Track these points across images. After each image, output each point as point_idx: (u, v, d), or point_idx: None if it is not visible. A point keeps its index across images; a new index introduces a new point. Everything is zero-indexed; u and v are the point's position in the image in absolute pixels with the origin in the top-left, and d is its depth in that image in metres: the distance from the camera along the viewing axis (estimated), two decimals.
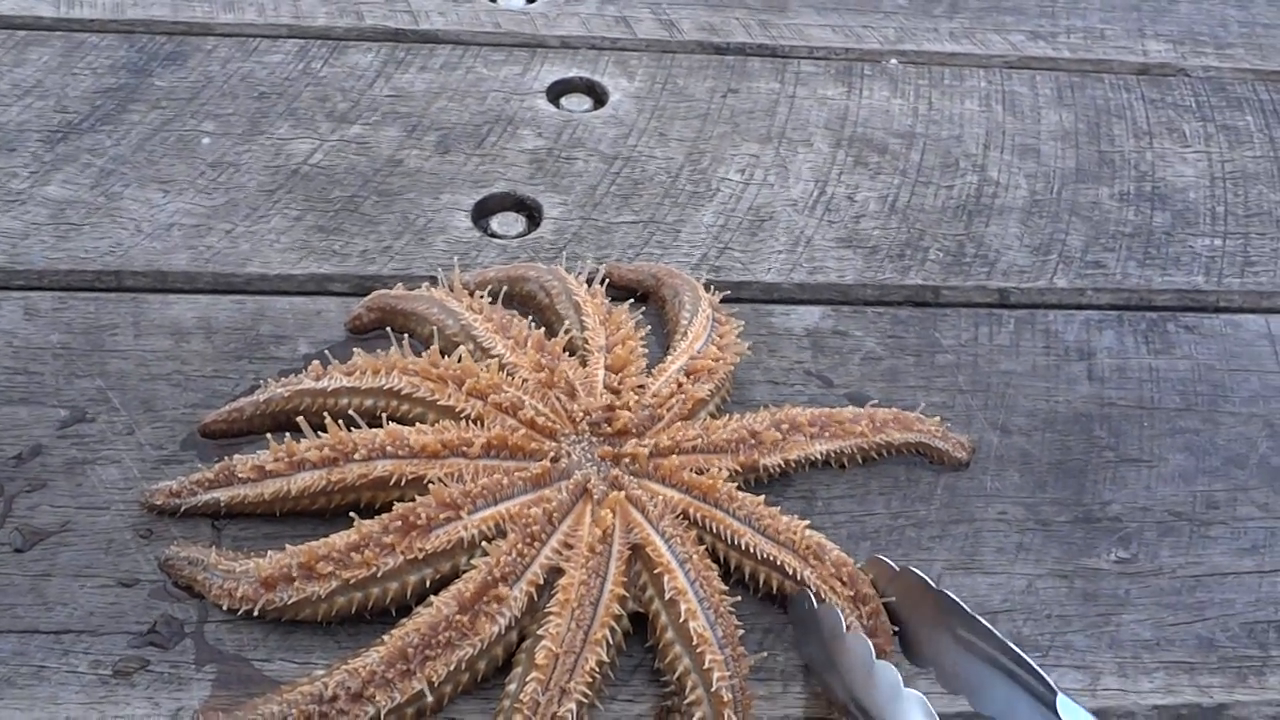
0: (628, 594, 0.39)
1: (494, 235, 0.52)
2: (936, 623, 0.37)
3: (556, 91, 0.60)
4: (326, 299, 0.49)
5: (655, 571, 0.39)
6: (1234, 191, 0.59)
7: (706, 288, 0.48)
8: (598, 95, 0.60)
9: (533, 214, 0.54)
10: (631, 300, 0.48)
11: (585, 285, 0.48)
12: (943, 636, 0.37)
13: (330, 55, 0.61)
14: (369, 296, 0.48)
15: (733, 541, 0.40)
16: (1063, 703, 0.33)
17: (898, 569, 0.39)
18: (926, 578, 0.38)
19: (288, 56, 0.61)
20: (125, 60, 0.59)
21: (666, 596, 0.38)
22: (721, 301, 0.48)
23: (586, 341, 0.46)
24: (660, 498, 0.41)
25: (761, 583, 0.40)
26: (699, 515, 0.40)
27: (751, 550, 0.40)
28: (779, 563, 0.39)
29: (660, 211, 0.54)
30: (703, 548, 0.40)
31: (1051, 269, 0.53)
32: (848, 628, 0.37)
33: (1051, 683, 0.34)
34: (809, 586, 0.39)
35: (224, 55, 0.60)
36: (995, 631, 0.36)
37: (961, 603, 0.37)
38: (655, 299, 0.50)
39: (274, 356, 0.46)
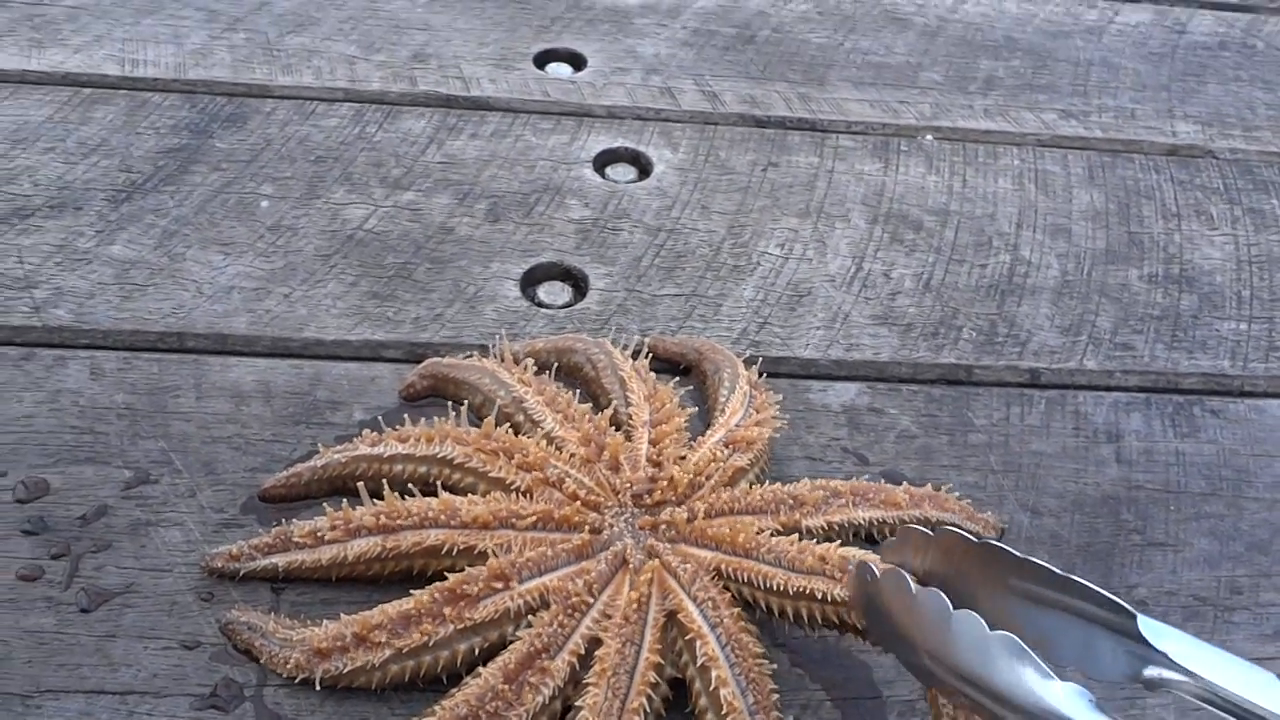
0: (664, 661, 0.40)
1: (541, 305, 0.54)
2: (986, 579, 0.35)
3: (602, 161, 0.62)
4: (380, 365, 0.50)
5: (688, 638, 0.40)
6: (1259, 275, 0.60)
7: (747, 363, 0.50)
8: (642, 166, 0.62)
9: (579, 284, 0.55)
10: (675, 376, 0.50)
11: (630, 359, 0.49)
12: (997, 592, 0.34)
13: (384, 120, 0.63)
14: (422, 365, 0.50)
15: (766, 585, 0.41)
16: (1144, 623, 0.31)
17: (932, 533, 0.37)
18: (964, 532, 0.36)
19: (343, 120, 0.62)
20: (187, 121, 0.61)
21: (699, 663, 0.39)
22: (760, 377, 0.50)
23: (631, 417, 0.47)
24: (693, 560, 0.42)
25: (808, 619, 0.41)
26: (730, 569, 0.41)
27: (784, 588, 0.40)
28: (810, 591, 0.40)
29: (702, 285, 0.55)
30: (737, 610, 0.41)
31: (1082, 350, 0.54)
32: (919, 576, 0.36)
33: (1127, 606, 0.31)
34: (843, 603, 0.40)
35: (282, 118, 0.62)
36: (1052, 568, 0.33)
37: (1008, 548, 0.34)
38: (697, 373, 0.51)
39: (330, 422, 0.48)
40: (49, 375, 0.48)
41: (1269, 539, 0.48)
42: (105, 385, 0.48)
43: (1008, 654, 0.31)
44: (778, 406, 0.48)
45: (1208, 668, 0.31)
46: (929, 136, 0.66)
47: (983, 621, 0.32)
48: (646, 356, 0.50)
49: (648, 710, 0.39)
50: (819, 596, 0.40)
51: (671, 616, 0.41)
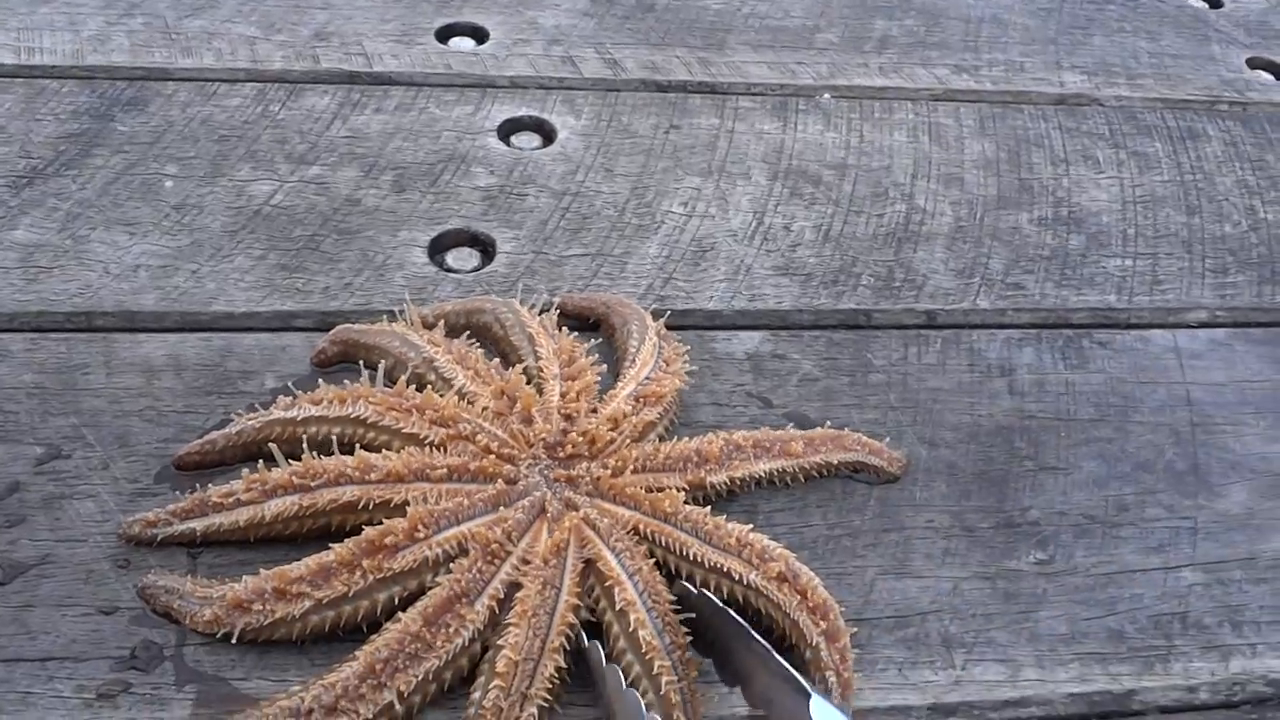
0: (582, 604, 0.42)
1: (450, 270, 0.55)
2: (736, 641, 0.40)
3: (507, 130, 0.63)
4: (291, 335, 0.51)
5: (607, 584, 0.41)
6: (1144, 214, 0.63)
7: (654, 316, 0.52)
8: (546, 133, 0.63)
9: (486, 249, 0.56)
10: (583, 330, 0.51)
11: (538, 317, 0.51)
12: (743, 654, 0.39)
13: (288, 98, 0.63)
14: (332, 331, 0.51)
15: (682, 553, 0.43)
16: (815, 704, 0.36)
17: (694, 592, 0.41)
18: (713, 598, 0.40)
19: (246, 100, 0.63)
20: (87, 105, 0.61)
21: (617, 608, 0.41)
22: (667, 328, 0.51)
23: (541, 371, 0.48)
24: (612, 516, 0.43)
25: (713, 590, 0.43)
26: (649, 530, 0.43)
27: (700, 560, 0.42)
28: (726, 569, 0.42)
29: (608, 245, 0.57)
30: (652, 561, 0.43)
31: (975, 291, 0.57)
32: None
33: (805, 684, 0.36)
34: (757, 590, 0.42)
35: (184, 100, 0.62)
36: (755, 639, 0.38)
37: (736, 618, 0.39)
38: (605, 327, 0.53)
39: (242, 391, 0.49)
40: None
41: (1153, 459, 0.51)
42: (13, 366, 0.49)
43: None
44: (685, 359, 0.50)
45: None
46: (826, 95, 0.68)
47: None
48: (555, 313, 0.51)
49: (567, 649, 0.40)
50: (735, 577, 0.42)
51: (590, 564, 0.42)
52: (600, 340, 0.52)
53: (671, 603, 0.41)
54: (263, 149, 0.60)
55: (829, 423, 0.49)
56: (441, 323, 0.51)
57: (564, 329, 0.50)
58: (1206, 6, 0.81)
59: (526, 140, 0.63)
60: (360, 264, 0.54)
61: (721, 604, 0.40)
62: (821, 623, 0.41)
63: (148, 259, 0.54)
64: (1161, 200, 0.64)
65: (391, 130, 0.62)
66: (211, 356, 0.50)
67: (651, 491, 0.44)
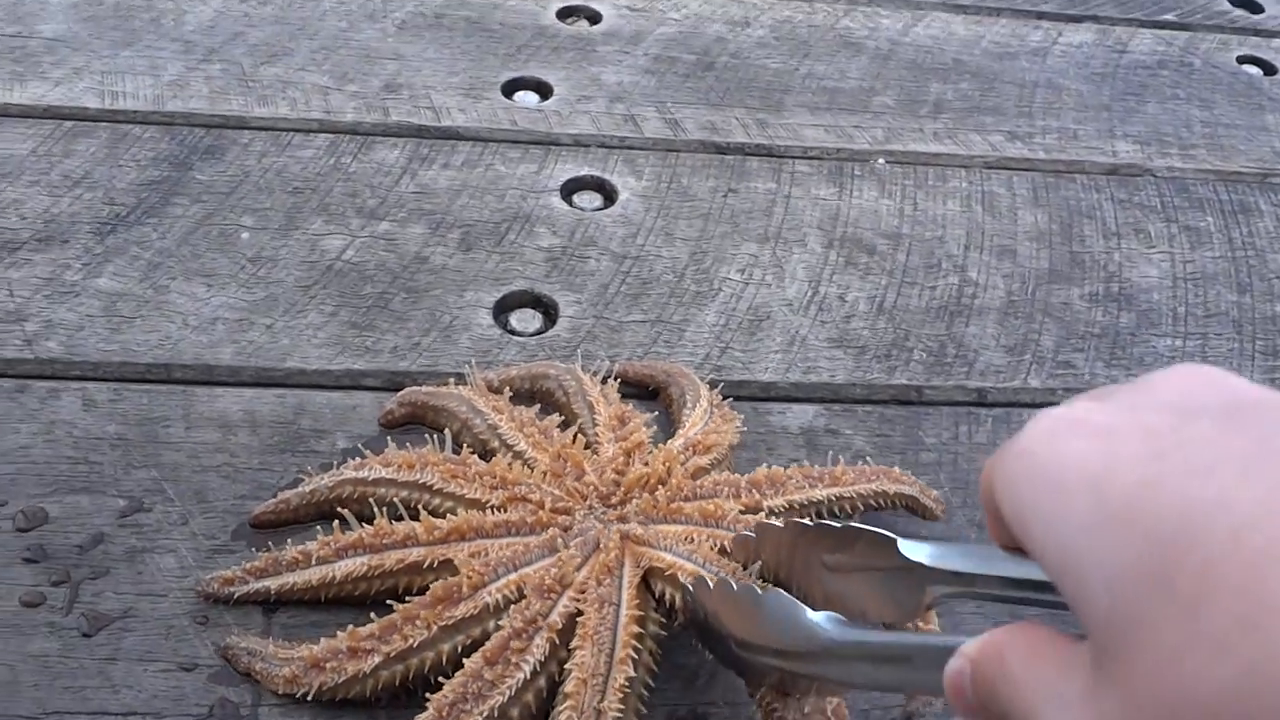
0: (646, 613, 0.43)
1: (514, 332, 0.57)
2: (808, 563, 0.39)
3: (570, 189, 0.65)
4: (361, 394, 0.53)
5: (668, 574, 0.43)
6: (1194, 292, 0.64)
7: (710, 385, 0.53)
8: (608, 193, 0.65)
9: (549, 311, 0.58)
10: (642, 398, 0.53)
11: (599, 384, 0.52)
12: (817, 575, 0.39)
13: (359, 151, 0.65)
14: (401, 393, 0.53)
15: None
16: (903, 545, 0.35)
17: (754, 535, 0.41)
18: (776, 523, 0.40)
19: (319, 151, 0.65)
20: (167, 153, 0.64)
21: (683, 584, 0.42)
22: (722, 398, 0.53)
23: (598, 435, 0.50)
24: (664, 531, 0.45)
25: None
26: (705, 536, 0.44)
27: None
28: (801, 502, 0.45)
29: (667, 311, 0.58)
30: (714, 551, 0.44)
31: (1026, 369, 0.58)
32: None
33: (886, 534, 0.35)
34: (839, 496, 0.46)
35: (259, 149, 0.64)
36: (834, 525, 0.38)
37: (807, 522, 0.39)
38: (664, 396, 0.54)
39: (314, 450, 0.51)
40: (43, 407, 0.51)
41: None
42: (98, 416, 0.51)
43: (778, 608, 0.37)
44: (738, 419, 0.51)
45: (958, 561, 0.34)
46: (881, 160, 0.69)
47: (782, 594, 0.37)
48: (615, 380, 0.53)
49: (636, 659, 0.42)
50: (815, 500, 0.45)
51: (650, 572, 0.44)
52: (659, 413, 0.53)
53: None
54: (335, 202, 0.62)
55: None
56: (506, 387, 0.53)
57: (622, 396, 0.52)
58: (1261, 74, 0.82)
59: (588, 200, 0.65)
60: (428, 324, 0.56)
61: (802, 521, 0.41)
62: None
63: (225, 311, 0.56)
64: (1212, 278, 0.65)
65: (459, 187, 0.64)
66: (285, 414, 0.52)
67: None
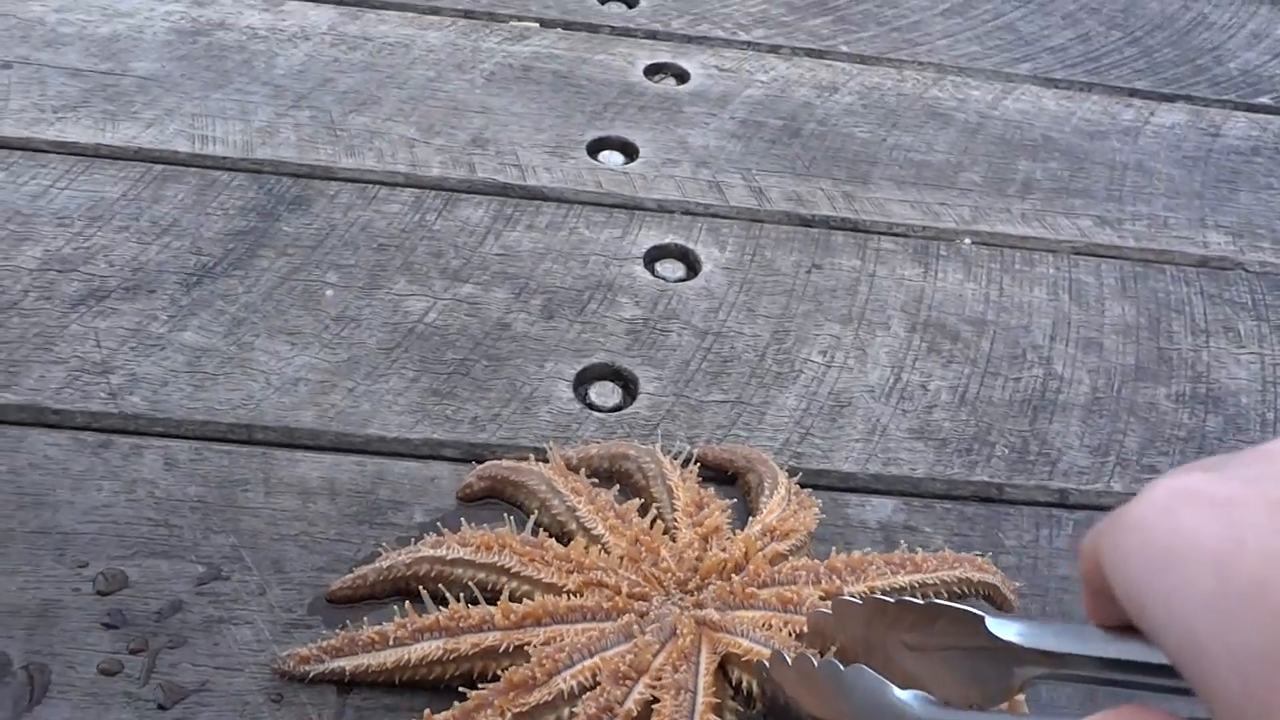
0: (723, 700, 0.43)
1: (593, 406, 0.56)
2: (887, 642, 0.38)
3: (652, 257, 0.64)
4: (440, 465, 0.53)
5: (745, 659, 0.43)
6: None
7: (789, 473, 0.52)
8: (691, 263, 0.64)
9: (629, 385, 0.58)
10: (720, 482, 0.52)
11: (679, 467, 0.52)
12: (897, 654, 0.37)
13: (444, 207, 0.65)
14: (480, 467, 0.52)
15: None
16: (991, 624, 0.33)
17: (831, 613, 0.40)
18: (854, 599, 0.39)
19: (404, 207, 0.65)
20: (254, 202, 0.64)
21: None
22: (801, 486, 0.52)
23: (677, 521, 0.50)
24: (745, 618, 0.44)
25: None
26: (780, 623, 0.44)
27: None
28: (884, 588, 0.45)
29: (747, 391, 0.58)
30: (791, 640, 0.44)
31: (1109, 472, 0.57)
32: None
33: (974, 611, 0.34)
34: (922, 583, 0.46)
35: (345, 202, 0.65)
36: (916, 601, 0.36)
37: (887, 598, 0.38)
38: (742, 482, 0.53)
39: (391, 523, 0.50)
40: (126, 464, 0.51)
41: None
42: (179, 477, 0.51)
43: (862, 685, 0.36)
44: (817, 506, 0.51)
45: (1051, 640, 0.32)
46: (968, 241, 0.68)
47: (866, 670, 0.36)
48: (695, 465, 0.52)
49: None
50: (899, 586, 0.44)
51: (727, 659, 0.43)
52: (738, 499, 0.53)
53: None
54: (419, 261, 0.62)
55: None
56: (585, 466, 0.53)
57: (701, 481, 0.51)
58: None
59: (671, 269, 0.64)
60: (508, 394, 0.56)
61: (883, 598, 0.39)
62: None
63: (308, 372, 0.56)
64: None
65: (542, 250, 0.64)
66: (364, 483, 0.52)
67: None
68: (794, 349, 0.60)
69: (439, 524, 0.50)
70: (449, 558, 0.48)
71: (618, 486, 0.52)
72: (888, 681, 0.36)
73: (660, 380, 0.58)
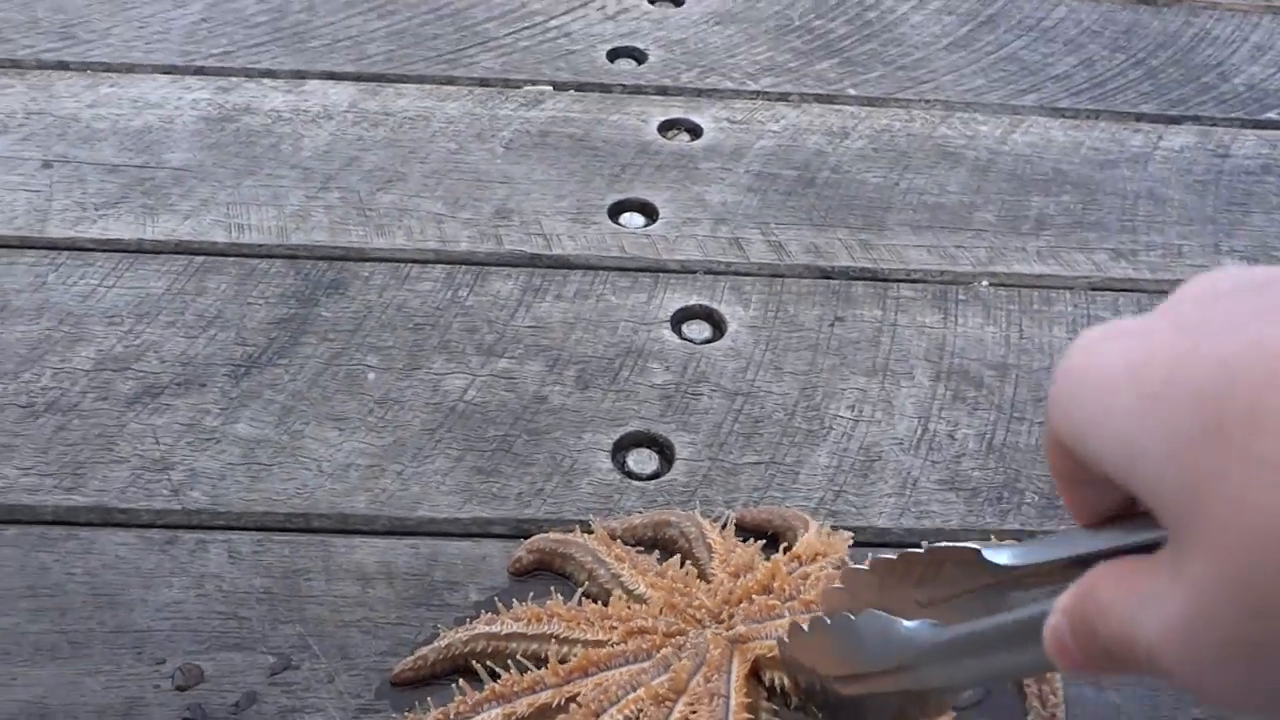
0: (754, 699, 0.46)
1: (631, 475, 0.59)
2: (903, 599, 0.39)
3: (679, 319, 0.67)
4: (489, 543, 0.56)
5: (772, 657, 0.46)
6: None
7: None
8: (716, 323, 0.67)
9: (664, 450, 0.61)
10: (761, 541, 0.55)
11: (719, 529, 0.55)
12: (911, 614, 0.39)
13: (475, 282, 0.68)
14: (529, 541, 0.56)
15: None
16: (986, 552, 0.34)
17: (843, 585, 0.41)
18: (862, 566, 0.40)
19: (437, 284, 0.68)
20: (293, 289, 0.67)
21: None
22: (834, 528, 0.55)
23: (714, 572, 0.53)
24: (773, 625, 0.48)
25: None
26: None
27: None
28: None
29: (780, 452, 0.61)
30: None
31: None
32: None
33: (969, 546, 0.35)
34: None
35: (380, 283, 0.68)
36: (915, 551, 0.37)
37: (889, 555, 0.39)
38: (781, 540, 0.57)
39: (448, 604, 0.54)
40: (193, 560, 0.54)
41: None
42: (243, 569, 0.54)
43: (874, 627, 0.38)
44: (850, 537, 0.54)
45: (1041, 552, 0.33)
46: (985, 283, 0.71)
47: (876, 612, 0.38)
48: (731, 526, 0.55)
49: None
50: None
51: (758, 665, 0.47)
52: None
53: None
54: (454, 339, 0.65)
55: None
56: (630, 536, 0.56)
57: (742, 539, 0.55)
58: None
59: (698, 330, 0.67)
60: (550, 468, 0.59)
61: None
62: None
63: (357, 458, 0.59)
64: None
65: (572, 319, 0.67)
66: (419, 565, 0.55)
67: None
68: (822, 405, 0.63)
69: (496, 599, 0.53)
70: (503, 633, 0.51)
71: (659, 553, 0.55)
72: (895, 617, 0.38)
73: (695, 445, 0.61)
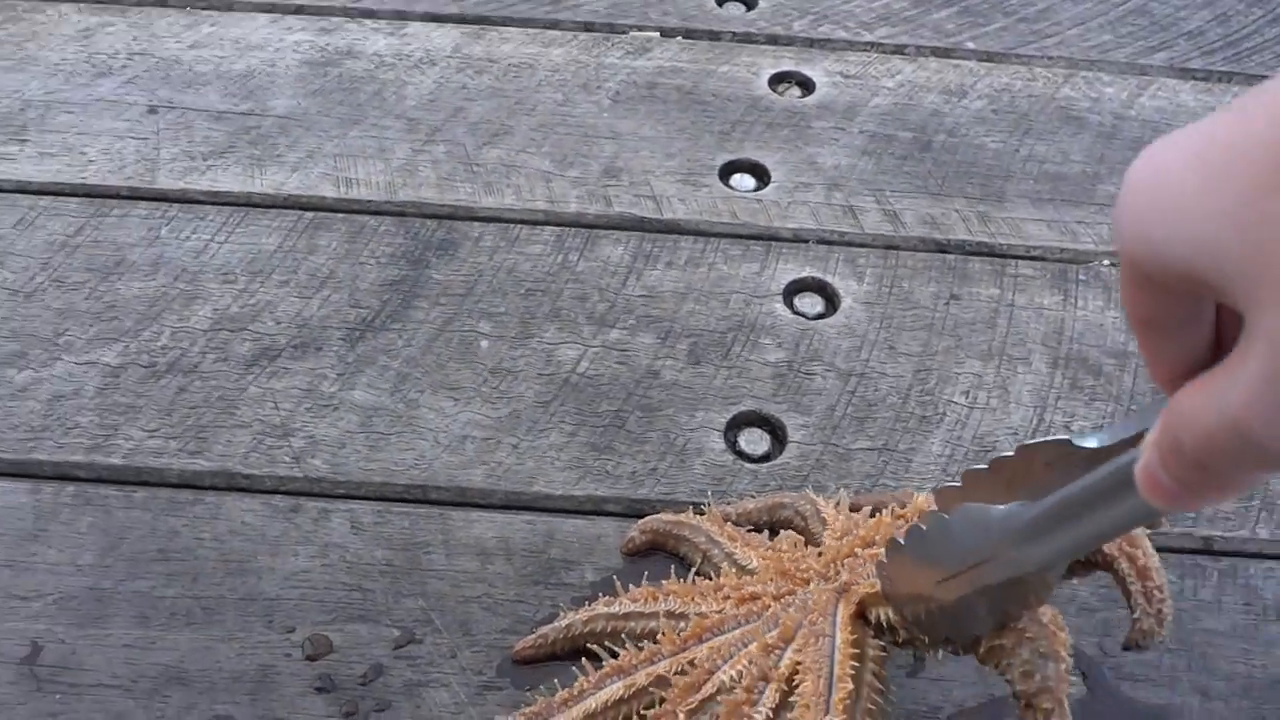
0: (859, 636, 0.49)
1: (743, 455, 0.61)
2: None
3: (791, 291, 0.68)
4: (604, 521, 0.58)
5: (875, 593, 0.48)
6: None
7: None
8: (829, 296, 0.68)
9: (776, 431, 0.62)
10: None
11: (833, 505, 0.57)
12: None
13: (584, 246, 0.70)
14: (642, 521, 0.58)
15: None
16: (1076, 438, 0.36)
17: (938, 507, 0.42)
18: (954, 484, 0.41)
19: (546, 247, 0.70)
20: (403, 249, 0.69)
21: None
22: None
23: (826, 543, 0.55)
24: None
25: None
26: None
27: None
28: None
29: (893, 437, 0.62)
30: None
31: (1254, 517, 0.60)
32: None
33: (1063, 439, 0.36)
34: None
35: (490, 244, 0.69)
36: (1008, 455, 0.39)
37: (982, 467, 0.40)
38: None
39: (565, 583, 0.56)
40: (316, 529, 0.57)
41: None
42: (365, 540, 0.57)
43: (968, 518, 0.40)
44: None
45: (1129, 428, 0.34)
46: (1105, 263, 0.71)
47: (967, 506, 0.40)
48: (846, 505, 0.57)
49: (855, 676, 0.47)
50: None
51: (864, 606, 0.49)
52: None
53: None
54: (565, 307, 0.67)
55: (1107, 667, 0.54)
56: (745, 520, 0.58)
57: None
58: None
59: (810, 304, 0.68)
60: (663, 447, 0.61)
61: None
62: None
63: (473, 429, 0.61)
64: None
65: (684, 289, 0.68)
66: (536, 542, 0.57)
67: None
68: (937, 389, 0.64)
69: (615, 578, 0.55)
70: (621, 613, 0.54)
71: (767, 534, 0.57)
72: (986, 505, 0.40)
73: (807, 427, 0.62)
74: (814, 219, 0.72)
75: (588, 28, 0.83)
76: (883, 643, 0.49)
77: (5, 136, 0.73)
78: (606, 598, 0.54)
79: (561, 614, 0.54)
